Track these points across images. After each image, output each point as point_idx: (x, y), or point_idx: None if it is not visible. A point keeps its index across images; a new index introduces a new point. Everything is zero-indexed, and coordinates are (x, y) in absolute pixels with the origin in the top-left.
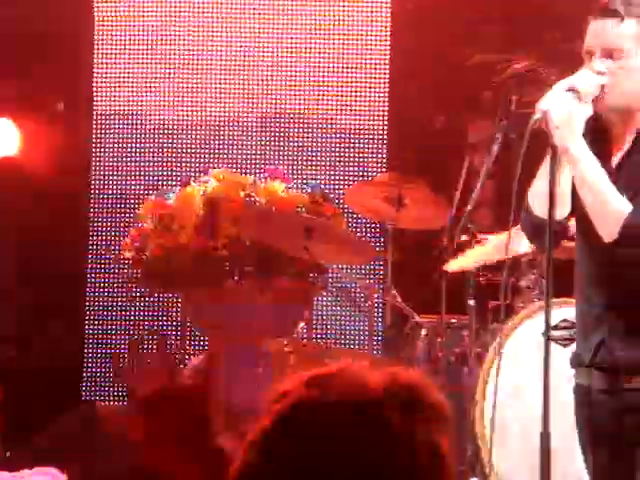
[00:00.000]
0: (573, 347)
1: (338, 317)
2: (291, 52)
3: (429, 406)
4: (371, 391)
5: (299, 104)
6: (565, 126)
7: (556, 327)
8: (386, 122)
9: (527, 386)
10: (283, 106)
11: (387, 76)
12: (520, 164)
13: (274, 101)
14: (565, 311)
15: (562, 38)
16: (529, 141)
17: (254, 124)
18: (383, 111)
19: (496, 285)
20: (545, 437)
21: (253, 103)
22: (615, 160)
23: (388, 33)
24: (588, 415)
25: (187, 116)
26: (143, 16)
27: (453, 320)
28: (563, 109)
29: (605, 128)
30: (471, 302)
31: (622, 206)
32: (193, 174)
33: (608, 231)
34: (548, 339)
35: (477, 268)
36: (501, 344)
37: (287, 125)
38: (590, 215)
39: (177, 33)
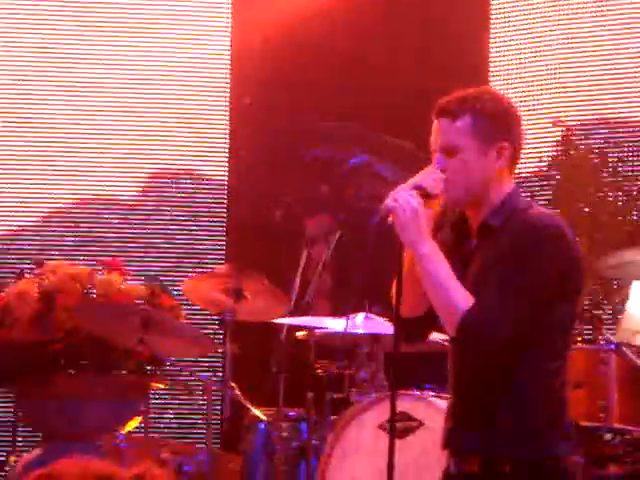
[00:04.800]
0: (409, 439)
1: (176, 410)
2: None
3: None
4: None
5: (138, 194)
6: (411, 224)
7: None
8: (224, 214)
9: (364, 476)
10: (121, 195)
11: (226, 169)
12: (367, 260)
13: (114, 188)
14: (403, 404)
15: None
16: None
17: (91, 213)
18: (221, 204)
19: (334, 377)
20: None
21: (88, 191)
22: (469, 250)
23: (227, 125)
24: None
25: (16, 204)
26: None
27: (291, 413)
28: (409, 207)
29: (465, 219)
30: (309, 394)
31: (462, 303)
32: (28, 266)
33: (450, 326)
34: (393, 430)
35: (315, 361)
36: (339, 436)
37: (125, 215)
38: (436, 311)
39: None
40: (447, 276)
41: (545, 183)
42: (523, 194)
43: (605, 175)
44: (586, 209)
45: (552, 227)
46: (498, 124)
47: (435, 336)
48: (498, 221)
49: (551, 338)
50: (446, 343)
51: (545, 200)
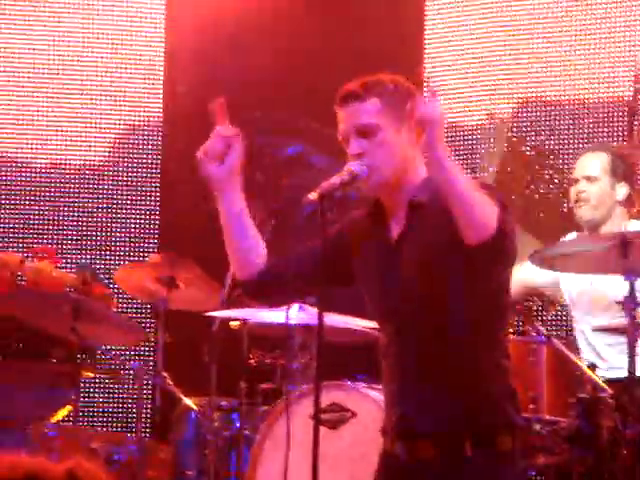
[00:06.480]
0: (341, 430)
1: (106, 399)
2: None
3: None
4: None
5: (71, 186)
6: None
7: (325, 410)
8: (158, 202)
9: (295, 468)
10: (54, 182)
11: (160, 157)
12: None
13: (47, 176)
14: (334, 394)
15: (324, 124)
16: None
17: (25, 198)
18: (155, 192)
19: (267, 367)
20: None
21: (22, 174)
22: (395, 233)
23: (160, 113)
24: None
25: None
26: None
27: (223, 403)
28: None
29: (380, 204)
30: (242, 384)
31: (488, 204)
32: None
33: (486, 227)
34: (317, 421)
35: (248, 351)
36: (271, 427)
37: (59, 202)
38: (469, 217)
39: None
40: (469, 179)
41: (478, 176)
42: None
43: (538, 168)
44: (518, 202)
45: (491, 190)
46: (405, 102)
47: (362, 324)
48: (426, 196)
49: (502, 305)
50: (375, 332)
51: None
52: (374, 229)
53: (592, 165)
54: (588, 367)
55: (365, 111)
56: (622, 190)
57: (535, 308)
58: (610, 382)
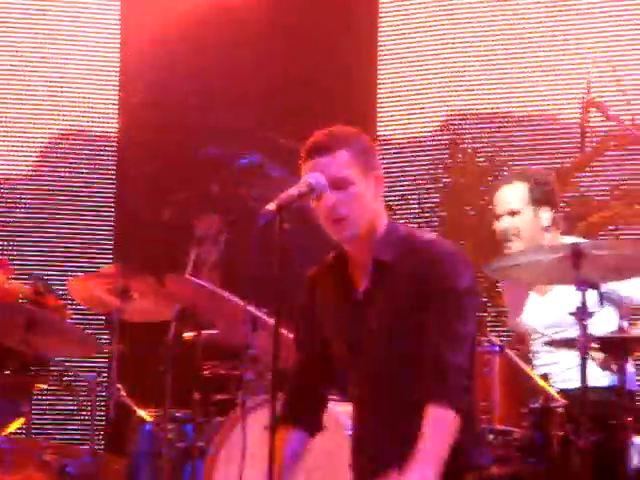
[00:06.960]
0: None
1: (59, 411)
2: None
3: None
4: None
5: (24, 197)
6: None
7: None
8: (112, 214)
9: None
10: (9, 196)
11: (114, 170)
12: (254, 261)
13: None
14: None
15: (284, 136)
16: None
17: None
18: (109, 203)
19: (221, 378)
20: None
21: None
22: (361, 290)
23: (115, 125)
24: None
25: None
26: None
27: (178, 414)
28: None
29: (344, 259)
30: (196, 395)
31: (447, 434)
32: None
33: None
34: (273, 432)
35: (202, 362)
36: (225, 438)
37: (11, 214)
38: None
39: None
40: (436, 450)
41: (433, 186)
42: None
43: (491, 179)
44: (472, 212)
45: (451, 256)
46: (368, 155)
47: None
48: (390, 256)
49: (472, 362)
50: None
51: (432, 203)
52: (340, 287)
53: (511, 198)
54: (541, 377)
55: (336, 164)
56: (546, 215)
57: (489, 319)
58: (562, 392)
